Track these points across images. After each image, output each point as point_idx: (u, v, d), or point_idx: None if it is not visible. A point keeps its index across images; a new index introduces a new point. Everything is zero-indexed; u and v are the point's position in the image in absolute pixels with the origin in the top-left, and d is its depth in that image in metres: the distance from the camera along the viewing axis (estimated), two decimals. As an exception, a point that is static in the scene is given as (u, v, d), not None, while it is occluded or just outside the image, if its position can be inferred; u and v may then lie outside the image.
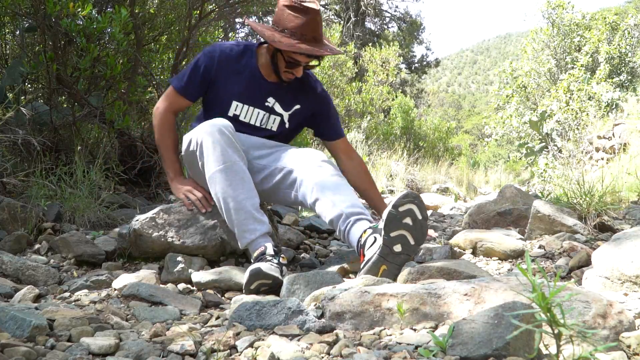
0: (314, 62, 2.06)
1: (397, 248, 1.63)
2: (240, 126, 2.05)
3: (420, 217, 1.66)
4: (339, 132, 2.22)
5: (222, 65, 2.06)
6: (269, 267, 1.66)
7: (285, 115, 2.11)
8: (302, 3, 1.92)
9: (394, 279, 1.59)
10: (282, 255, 1.79)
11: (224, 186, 1.83)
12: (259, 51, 2.11)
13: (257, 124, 2.09)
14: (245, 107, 2.07)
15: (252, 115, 2.08)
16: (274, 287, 1.65)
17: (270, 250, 1.76)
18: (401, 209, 1.64)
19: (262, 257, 1.75)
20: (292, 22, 1.92)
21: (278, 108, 2.10)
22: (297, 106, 2.12)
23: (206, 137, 1.85)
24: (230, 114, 2.07)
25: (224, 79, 2.07)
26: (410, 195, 1.66)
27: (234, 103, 2.07)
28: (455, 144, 14.25)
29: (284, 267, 1.75)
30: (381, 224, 1.66)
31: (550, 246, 2.06)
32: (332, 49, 2.02)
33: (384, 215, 1.66)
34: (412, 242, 1.65)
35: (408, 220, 1.64)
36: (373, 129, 10.52)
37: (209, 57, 2.06)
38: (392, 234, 1.63)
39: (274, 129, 2.11)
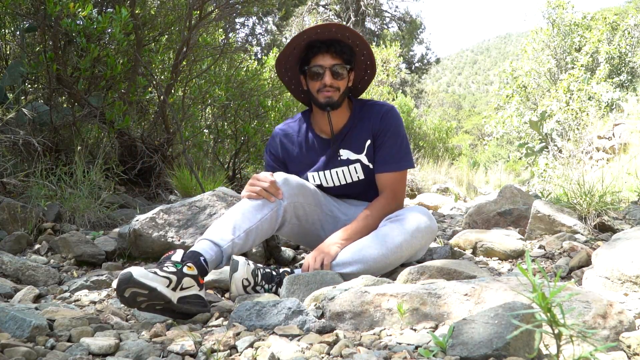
0: (337, 64, 1.87)
1: None
2: (328, 192, 2.03)
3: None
4: (380, 167, 1.97)
5: (284, 145, 2.05)
6: (144, 273, 1.33)
7: (363, 157, 1.97)
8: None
9: None
10: (188, 265, 1.45)
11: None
12: (313, 111, 2.04)
13: (343, 182, 2.01)
14: (321, 173, 2.00)
15: (332, 177, 2.01)
16: (155, 300, 1.34)
17: (177, 256, 1.49)
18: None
19: (161, 262, 1.48)
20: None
21: (352, 155, 1.97)
22: (368, 141, 1.96)
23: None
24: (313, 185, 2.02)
25: (291, 158, 2.05)
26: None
27: (309, 175, 2.02)
28: (455, 144, 14.26)
29: (185, 279, 1.42)
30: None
31: (550, 246, 2.06)
32: (329, 24, 1.88)
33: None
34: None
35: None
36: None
37: (272, 140, 2.07)
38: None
39: (361, 176, 2.00)
